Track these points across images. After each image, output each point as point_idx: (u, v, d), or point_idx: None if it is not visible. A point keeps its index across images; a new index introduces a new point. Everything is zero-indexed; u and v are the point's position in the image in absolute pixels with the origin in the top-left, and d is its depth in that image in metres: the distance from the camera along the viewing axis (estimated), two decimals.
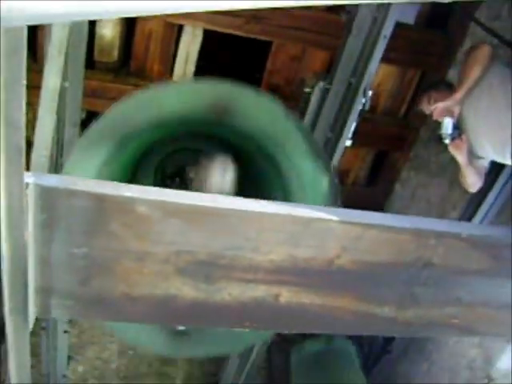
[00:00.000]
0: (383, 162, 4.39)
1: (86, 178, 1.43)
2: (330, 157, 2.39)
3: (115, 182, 1.27)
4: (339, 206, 2.06)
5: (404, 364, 3.84)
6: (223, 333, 2.37)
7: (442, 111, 2.56)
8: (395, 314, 1.50)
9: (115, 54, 3.63)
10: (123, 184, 1.27)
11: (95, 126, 1.88)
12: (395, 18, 2.06)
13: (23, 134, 1.07)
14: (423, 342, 3.69)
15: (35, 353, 3.17)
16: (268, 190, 2.29)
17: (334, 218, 1.31)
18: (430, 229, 1.39)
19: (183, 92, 2.00)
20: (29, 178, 1.17)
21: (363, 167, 4.43)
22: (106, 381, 4.26)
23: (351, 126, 2.34)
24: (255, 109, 1.96)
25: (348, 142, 2.45)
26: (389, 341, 3.78)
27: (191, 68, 3.79)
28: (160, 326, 2.31)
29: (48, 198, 1.21)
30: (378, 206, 4.34)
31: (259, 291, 1.39)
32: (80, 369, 4.18)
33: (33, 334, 1.44)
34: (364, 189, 4.44)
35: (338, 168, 2.54)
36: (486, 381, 3.16)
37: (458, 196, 3.49)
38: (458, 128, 2.55)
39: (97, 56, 3.56)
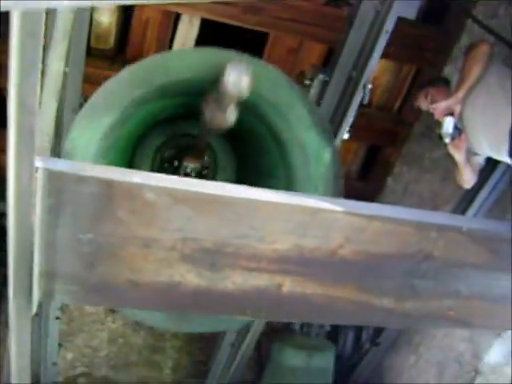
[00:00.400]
0: (376, 156, 4.42)
1: (92, 160, 1.44)
2: None
3: (123, 168, 1.27)
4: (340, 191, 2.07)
5: (392, 357, 3.88)
6: None
7: (444, 110, 2.58)
8: (394, 305, 1.52)
9: (111, 41, 3.61)
10: (131, 170, 1.28)
11: (101, 92, 1.87)
12: (397, 12, 2.07)
13: (36, 117, 1.07)
14: (411, 335, 3.73)
15: None
16: (269, 162, 2.29)
17: (340, 208, 1.32)
18: (432, 222, 1.41)
19: (188, 58, 2.00)
20: (38, 162, 1.17)
21: (356, 161, 4.45)
22: (94, 369, 4.26)
23: (350, 119, 2.35)
24: (258, 77, 1.94)
25: (346, 135, 2.46)
26: (378, 333, 3.82)
27: None
28: None
29: (56, 183, 1.21)
30: (370, 201, 4.35)
31: (262, 280, 1.40)
32: (69, 356, 4.18)
33: None
34: (356, 183, 4.45)
35: None
36: (473, 374, 3.20)
37: (450, 192, 3.52)
38: (458, 127, 2.57)
39: (93, 43, 3.54)
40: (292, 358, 3.77)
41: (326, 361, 3.81)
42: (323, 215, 1.32)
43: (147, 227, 1.29)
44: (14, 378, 1.57)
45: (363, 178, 4.51)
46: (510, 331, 3.12)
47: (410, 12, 3.46)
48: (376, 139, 4.32)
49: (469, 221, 1.56)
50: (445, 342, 3.45)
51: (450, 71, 3.64)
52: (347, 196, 2.11)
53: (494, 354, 3.16)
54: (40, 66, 1.01)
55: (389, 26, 2.10)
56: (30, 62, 0.99)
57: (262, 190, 1.32)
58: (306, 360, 3.75)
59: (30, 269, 1.30)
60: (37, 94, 1.03)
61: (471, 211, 3.08)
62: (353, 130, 2.50)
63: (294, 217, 1.31)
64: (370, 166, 4.48)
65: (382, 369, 3.94)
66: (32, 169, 1.14)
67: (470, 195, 3.10)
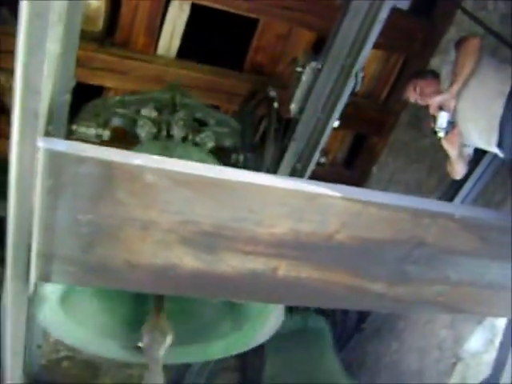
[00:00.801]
0: (362, 144, 4.45)
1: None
2: (319, 137, 2.43)
3: (124, 150, 1.28)
4: None
5: (375, 343, 3.94)
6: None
7: (439, 105, 2.61)
8: (386, 290, 1.55)
9: (100, 23, 3.58)
10: (132, 152, 1.28)
11: None
12: (392, 2, 2.08)
13: (41, 98, 1.07)
14: (394, 322, 3.79)
15: None
16: None
17: (337, 194, 1.35)
18: (426, 209, 1.44)
19: None
20: (40, 142, 1.17)
21: (342, 149, 4.48)
22: (76, 352, 4.26)
23: (341, 107, 2.37)
24: None
25: (336, 123, 2.48)
26: (363, 319, 3.87)
27: (176, 42, 3.76)
28: (120, 342, 2.43)
29: (56, 163, 1.21)
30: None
31: (258, 263, 1.42)
32: (52, 340, 4.17)
33: None
34: (342, 170, 4.50)
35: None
36: (454, 360, 3.27)
37: (435, 181, 3.57)
38: (452, 122, 2.60)
39: (82, 24, 3.50)
40: (287, 321, 3.80)
41: (321, 322, 3.86)
42: (320, 200, 1.34)
43: (147, 209, 1.30)
44: (8, 361, 1.57)
45: (349, 166, 4.55)
46: (490, 319, 3.19)
47: (403, 2, 3.49)
48: (362, 127, 4.35)
49: (462, 208, 1.59)
50: (427, 329, 3.51)
51: (437, 63, 3.67)
52: (332, 183, 2.14)
53: (475, 341, 3.23)
54: (46, 46, 1.01)
55: (383, 15, 2.11)
56: (36, 42, 0.99)
57: (261, 174, 1.34)
58: (301, 322, 3.80)
59: (28, 250, 1.30)
60: (43, 73, 1.03)
61: (457, 201, 3.13)
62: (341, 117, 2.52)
63: (292, 201, 1.33)
64: (356, 154, 4.52)
65: (365, 354, 4.00)
66: (34, 149, 1.14)
67: (456, 185, 3.15)
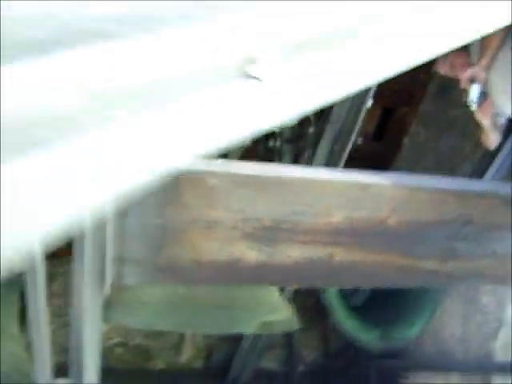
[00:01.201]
0: (391, 117, 4.47)
1: None
2: (356, 118, 2.48)
3: None
4: None
5: None
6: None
7: (469, 79, 2.63)
8: (438, 267, 1.63)
9: None
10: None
11: None
12: None
13: None
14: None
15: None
16: None
17: (387, 182, 1.42)
18: (472, 189, 1.51)
19: None
20: None
21: (371, 122, 4.50)
22: (129, 339, 4.42)
23: (375, 86, 2.41)
24: None
25: (370, 103, 2.53)
26: None
27: None
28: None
29: None
30: (387, 160, 4.44)
31: (316, 251, 1.51)
32: (104, 328, 4.34)
33: None
34: (372, 143, 4.52)
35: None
36: (498, 324, 3.34)
37: (468, 151, 3.59)
38: (484, 93, 2.62)
39: None
40: None
41: None
42: (373, 189, 1.42)
43: (210, 210, 1.39)
44: (85, 360, 1.68)
45: (379, 139, 4.57)
46: None
47: None
48: (390, 100, 4.36)
49: (505, 186, 1.65)
50: (468, 295, 3.57)
51: None
52: (364, 156, 2.18)
53: None
54: None
55: None
56: None
57: (314, 169, 1.42)
58: None
59: (103, 255, 1.40)
60: None
61: (492, 169, 3.16)
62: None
63: (347, 192, 1.41)
64: (386, 127, 4.53)
65: None
66: None
67: (491, 153, 3.17)
